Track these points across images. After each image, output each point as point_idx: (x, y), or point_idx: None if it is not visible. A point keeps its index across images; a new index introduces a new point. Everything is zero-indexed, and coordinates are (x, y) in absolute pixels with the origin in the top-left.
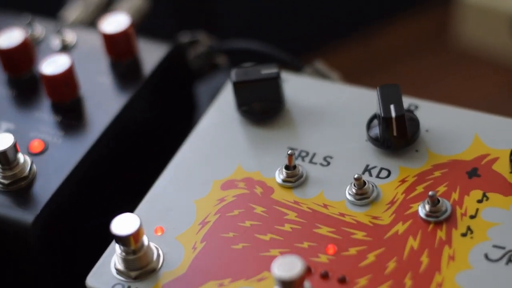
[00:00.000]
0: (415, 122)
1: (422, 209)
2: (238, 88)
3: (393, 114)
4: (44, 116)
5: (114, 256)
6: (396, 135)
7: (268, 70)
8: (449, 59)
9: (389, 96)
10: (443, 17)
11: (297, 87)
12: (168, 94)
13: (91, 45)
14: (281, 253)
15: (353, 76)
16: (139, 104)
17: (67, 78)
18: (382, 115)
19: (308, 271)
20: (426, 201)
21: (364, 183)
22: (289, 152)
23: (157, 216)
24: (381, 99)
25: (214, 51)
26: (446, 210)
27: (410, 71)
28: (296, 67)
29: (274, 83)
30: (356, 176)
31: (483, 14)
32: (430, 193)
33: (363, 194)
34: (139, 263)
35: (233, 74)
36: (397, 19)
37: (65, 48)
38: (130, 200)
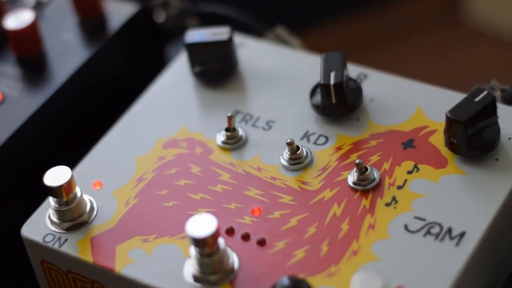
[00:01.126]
0: (358, 90)
1: (351, 177)
2: (190, 50)
3: (332, 81)
4: (7, 69)
5: (49, 208)
6: (335, 103)
7: (220, 33)
8: (457, 36)
9: (331, 64)
10: None
11: (254, 52)
12: (134, 53)
13: (62, 3)
14: (208, 213)
15: (356, 51)
16: (103, 61)
17: (30, 33)
18: (321, 82)
19: (230, 231)
20: (354, 169)
21: (298, 148)
22: (228, 115)
23: (98, 170)
24: (323, 66)
25: (185, 13)
26: (374, 179)
27: (416, 46)
28: (258, 32)
29: (225, 46)
30: (288, 140)
31: None
32: (356, 161)
33: (296, 159)
34: (71, 215)
35: (187, 36)
36: None
37: (39, 5)
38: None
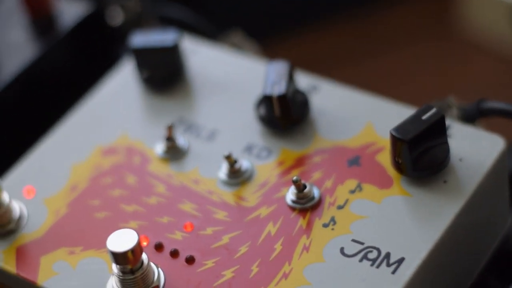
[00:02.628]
0: (305, 103)
1: (289, 195)
2: (135, 55)
3: (276, 93)
4: None
5: None
6: (279, 115)
7: (167, 38)
8: (449, 46)
9: (276, 74)
10: (444, 3)
11: (206, 59)
12: (85, 55)
13: (13, 3)
14: (139, 226)
15: (342, 61)
16: (51, 62)
17: None
18: (265, 93)
19: (159, 247)
20: (292, 185)
21: (235, 161)
22: (169, 125)
23: (32, 177)
24: (267, 76)
25: (143, 16)
26: (313, 198)
27: (407, 56)
28: (213, 37)
29: (171, 51)
30: (226, 154)
31: (485, 1)
32: (294, 178)
33: (234, 172)
34: None
35: (133, 39)
36: (396, 2)
37: None
38: None
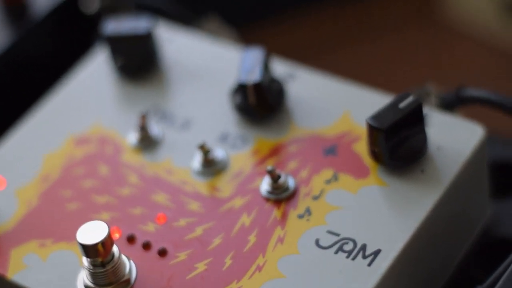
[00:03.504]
0: (281, 91)
1: (264, 185)
2: (109, 42)
3: (251, 80)
4: None
5: None
6: (255, 104)
7: (140, 25)
8: (432, 33)
9: (251, 61)
10: None
11: (182, 47)
12: (61, 42)
13: None
14: (111, 217)
15: (322, 49)
16: (25, 49)
17: None
18: (239, 81)
19: (132, 239)
20: (266, 176)
21: (208, 151)
22: (142, 114)
23: (3, 167)
24: (241, 64)
25: (119, 3)
26: (287, 188)
27: (388, 44)
28: (189, 23)
29: (145, 39)
30: (200, 143)
31: None
32: (268, 167)
33: (208, 162)
34: None
35: (106, 26)
36: None
37: None
38: None
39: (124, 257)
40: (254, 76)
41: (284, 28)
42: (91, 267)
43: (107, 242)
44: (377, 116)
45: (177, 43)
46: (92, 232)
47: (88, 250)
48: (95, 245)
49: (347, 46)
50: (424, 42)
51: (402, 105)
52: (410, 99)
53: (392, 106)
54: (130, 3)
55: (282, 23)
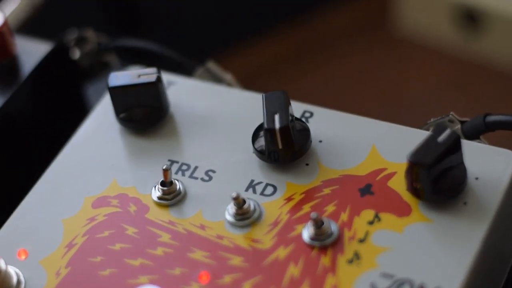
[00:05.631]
0: (306, 132)
1: (306, 232)
2: (114, 94)
3: (277, 125)
4: None
5: None
6: (282, 148)
7: (147, 74)
8: (388, 47)
9: (274, 105)
10: (381, 2)
11: (184, 91)
12: (51, 95)
13: None
14: (150, 280)
15: (278, 70)
16: (17, 106)
17: None
18: (265, 126)
19: None
20: (309, 222)
21: (244, 201)
22: (164, 167)
23: (22, 237)
24: (265, 108)
25: (102, 49)
26: (331, 233)
27: (344, 60)
28: (187, 69)
29: (153, 88)
30: (234, 194)
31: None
32: (311, 214)
33: (243, 214)
34: None
35: (110, 78)
36: (331, 4)
37: None
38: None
39: None
40: (279, 120)
41: (229, 60)
42: None
43: None
44: (417, 152)
45: (179, 87)
46: None
47: None
48: None
49: (292, 70)
50: (382, 57)
51: (440, 138)
52: (447, 132)
53: (431, 141)
54: (114, 47)
55: (229, 55)
